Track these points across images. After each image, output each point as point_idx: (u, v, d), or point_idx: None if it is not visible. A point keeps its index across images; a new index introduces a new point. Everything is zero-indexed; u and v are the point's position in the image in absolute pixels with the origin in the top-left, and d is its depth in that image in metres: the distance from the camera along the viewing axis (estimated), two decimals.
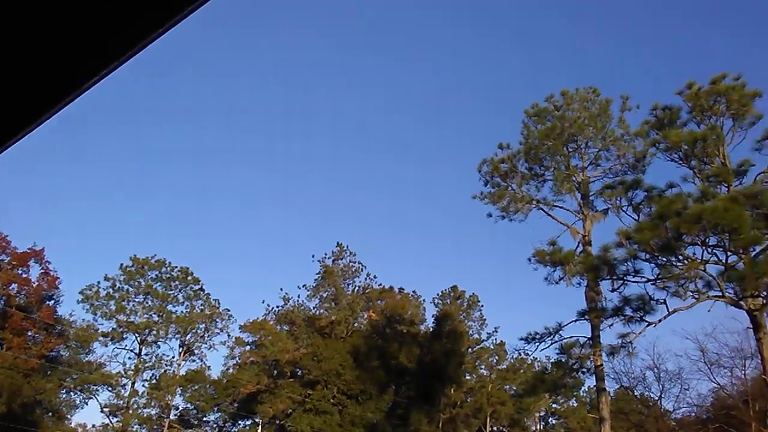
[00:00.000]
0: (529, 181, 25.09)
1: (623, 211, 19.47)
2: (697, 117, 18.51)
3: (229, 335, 42.15)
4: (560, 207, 24.21)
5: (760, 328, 14.80)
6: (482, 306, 41.15)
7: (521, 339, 20.96)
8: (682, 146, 17.70)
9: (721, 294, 15.05)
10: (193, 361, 41.94)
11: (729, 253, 15.31)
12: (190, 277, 41.75)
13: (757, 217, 15.20)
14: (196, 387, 41.02)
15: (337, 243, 40.99)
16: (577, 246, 23.03)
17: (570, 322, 20.15)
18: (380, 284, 40.39)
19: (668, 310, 16.01)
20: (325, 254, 40.56)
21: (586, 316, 19.26)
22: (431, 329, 38.85)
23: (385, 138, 72.77)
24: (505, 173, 25.31)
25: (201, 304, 42.16)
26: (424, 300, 41.20)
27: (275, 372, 39.24)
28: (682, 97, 18.55)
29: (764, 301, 14.61)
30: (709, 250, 15.37)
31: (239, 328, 41.18)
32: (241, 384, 38.40)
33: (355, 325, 39.76)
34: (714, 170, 16.84)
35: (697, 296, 15.39)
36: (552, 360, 24.16)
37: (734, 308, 15.13)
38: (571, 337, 20.19)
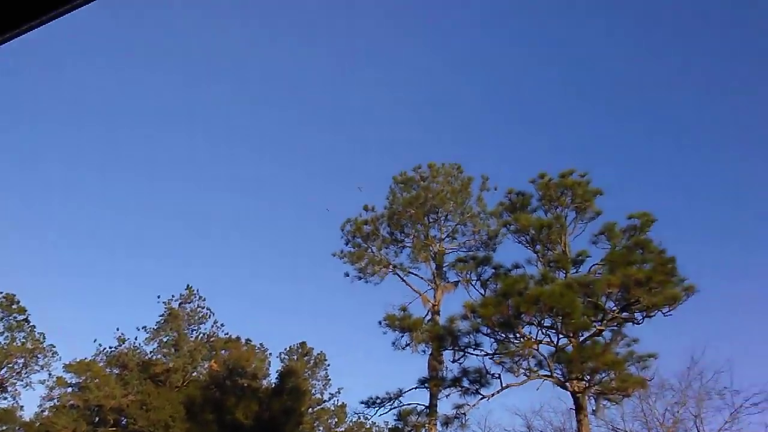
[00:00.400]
0: (389, 246, 25.58)
1: (472, 285, 20.18)
2: (546, 205, 19.83)
3: (50, 374, 38.28)
4: (415, 274, 24.84)
5: (582, 409, 15.73)
6: (329, 365, 40.63)
7: (362, 402, 20.86)
8: (530, 230, 18.82)
9: (549, 374, 15.86)
10: (5, 398, 37.52)
11: (561, 336, 16.26)
12: (15, 306, 37.82)
13: (588, 304, 16.34)
14: (4, 428, 36.54)
15: (187, 285, 39.10)
16: (427, 314, 23.60)
17: (411, 389, 20.37)
18: (227, 333, 38.74)
19: (501, 385, 16.62)
20: (173, 296, 38.47)
21: (426, 384, 19.55)
22: (273, 385, 37.63)
23: (251, 178, 71.40)
24: (366, 235, 25.64)
25: (23, 337, 38.18)
26: (270, 354, 40.01)
27: (97, 419, 35.91)
28: (534, 185, 19.82)
29: (587, 384, 15.57)
30: (544, 331, 16.25)
31: (63, 367, 37.53)
32: (56, 429, 34.65)
33: (194, 374, 37.61)
34: (555, 257, 18.02)
35: (528, 374, 16.11)
36: (390, 426, 24.11)
37: (560, 389, 15.97)
38: (410, 404, 20.38)
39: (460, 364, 17.48)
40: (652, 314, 16.32)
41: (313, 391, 39.95)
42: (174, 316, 37.84)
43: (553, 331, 16.24)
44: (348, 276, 25.24)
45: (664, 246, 16.83)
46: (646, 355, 16.99)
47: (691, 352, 23.71)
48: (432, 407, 20.13)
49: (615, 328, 16.96)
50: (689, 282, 16.21)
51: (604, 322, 16.48)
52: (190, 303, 38.82)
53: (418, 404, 20.29)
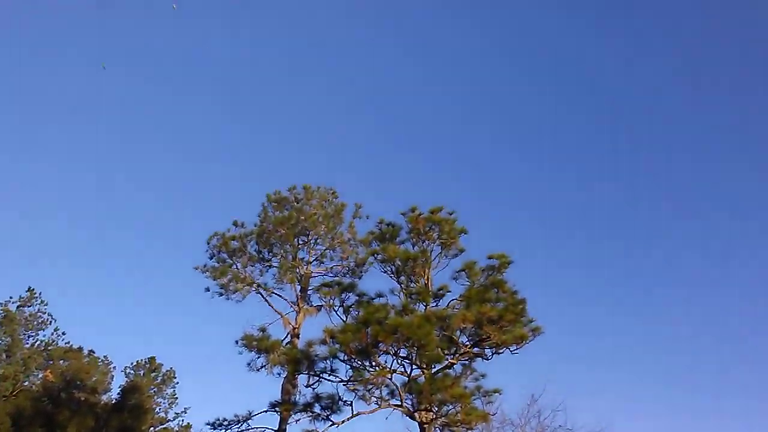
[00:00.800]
0: (255, 264, 25.08)
1: (335, 310, 20.07)
2: (414, 239, 20.32)
3: None
4: (279, 295, 24.48)
5: None
6: (177, 383, 38.73)
7: (208, 424, 20.04)
8: (396, 261, 19.20)
9: (400, 404, 16.12)
10: None
11: (414, 367, 16.61)
12: None
13: (443, 337, 16.86)
14: None
15: (29, 288, 35.96)
16: (286, 336, 23.26)
17: (261, 412, 19.85)
18: (68, 342, 35.93)
19: (353, 412, 16.62)
20: (11, 298, 35.20)
21: (277, 408, 19.17)
22: (114, 401, 35.25)
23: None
24: (233, 251, 25.00)
25: None
26: (114, 367, 37.53)
27: None
28: (405, 217, 20.28)
29: (434, 416, 15.97)
30: (399, 360, 16.53)
31: None
32: None
33: (26, 383, 34.42)
34: (417, 289, 18.47)
35: (379, 402, 16.27)
36: None
37: (409, 419, 16.25)
38: (259, 427, 19.89)
39: (314, 389, 17.35)
40: (501, 351, 17.12)
41: (157, 410, 37.85)
42: (9, 319, 34.55)
43: (408, 361, 16.56)
44: (209, 291, 24.41)
45: (517, 287, 17.78)
46: (491, 391, 17.76)
47: (532, 390, 25.02)
48: (280, 431, 19.79)
49: (466, 362, 17.60)
50: (536, 323, 17.21)
51: (457, 355, 17.05)
52: (29, 306, 35.70)
53: (267, 428, 19.86)
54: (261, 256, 24.94)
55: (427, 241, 19.85)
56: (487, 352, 17.21)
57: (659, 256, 58.68)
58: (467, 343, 17.07)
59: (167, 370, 38.92)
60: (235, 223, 25.18)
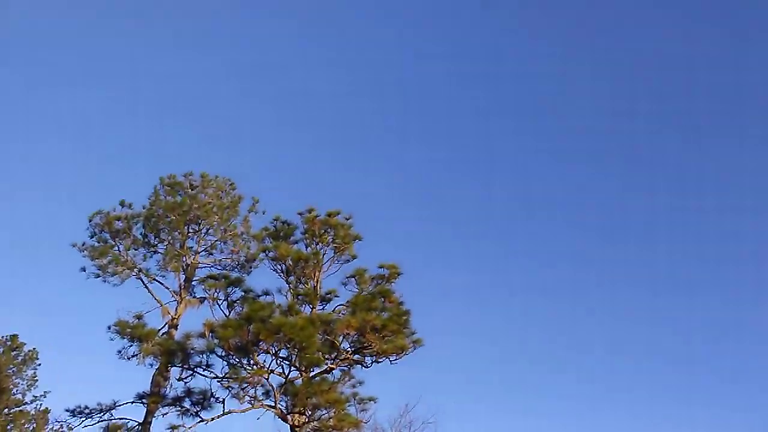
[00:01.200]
0: (139, 248, 24.01)
1: (218, 304, 19.55)
2: (308, 240, 20.16)
3: None
4: (160, 283, 23.54)
5: None
6: (39, 364, 36.30)
7: (68, 411, 18.94)
8: (288, 261, 18.97)
9: (274, 405, 15.90)
10: None
11: (293, 369, 16.46)
12: None
13: (325, 342, 16.82)
14: None
15: None
16: (163, 326, 22.42)
17: (126, 403, 18.99)
18: None
19: (224, 410, 16.24)
20: None
21: (144, 400, 18.39)
22: None
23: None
24: (116, 231, 23.83)
25: None
26: None
27: None
28: (301, 218, 20.10)
29: (307, 420, 15.88)
30: (278, 361, 16.32)
31: None
32: None
33: None
34: (305, 291, 18.34)
35: (253, 402, 15.97)
36: None
37: (281, 421, 16.04)
38: (122, 419, 19.00)
39: (186, 383, 16.82)
40: (381, 360, 17.30)
41: (14, 391, 35.30)
42: None
43: (287, 362, 16.39)
44: (84, 271, 23.10)
45: (403, 299, 18.04)
46: (367, 398, 17.93)
47: (407, 400, 25.42)
48: (145, 425, 18.98)
49: (345, 368, 17.65)
50: (418, 336, 17.53)
51: (337, 361, 17.06)
52: None
53: (130, 420, 18.99)
54: (146, 240, 23.91)
55: (320, 244, 19.75)
56: (368, 359, 17.34)
57: (565, 266, 60.63)
58: (349, 349, 17.12)
59: (30, 350, 36.38)
60: (122, 203, 24.05)
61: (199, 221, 24.15)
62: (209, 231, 24.48)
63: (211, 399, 16.47)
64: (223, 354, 16.26)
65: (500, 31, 71.75)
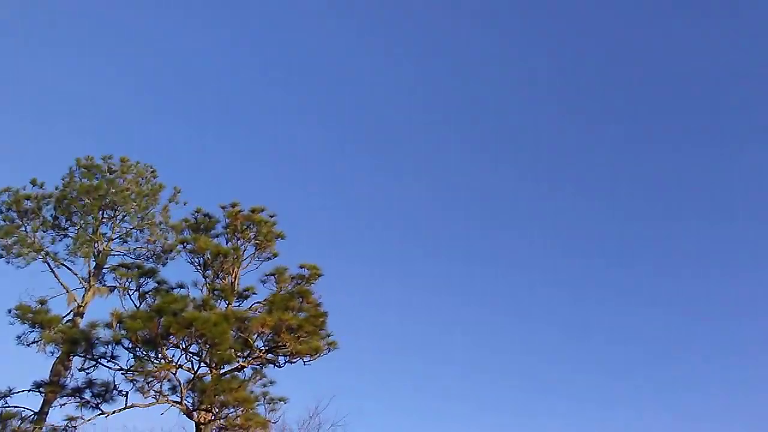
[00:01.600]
0: (48, 230, 22.89)
1: (129, 294, 18.92)
2: (229, 234, 19.79)
3: None
4: (69, 268, 22.49)
5: None
6: None
7: None
8: (206, 254, 18.54)
9: (180, 401, 15.48)
10: None
11: (203, 365, 16.09)
12: None
13: (239, 339, 16.54)
14: None
15: None
16: (69, 314, 21.44)
17: (23, 391, 17.98)
18: None
19: (126, 404, 15.68)
20: None
21: (41, 389, 17.50)
22: None
23: None
24: (25, 211, 22.65)
25: None
26: None
27: None
28: (224, 211, 19.71)
29: (213, 417, 15.54)
30: (188, 356, 15.91)
31: None
32: None
33: None
34: (222, 286, 17.97)
35: (158, 397, 15.50)
36: None
37: (186, 417, 15.64)
38: (17, 407, 17.99)
39: (88, 374, 16.13)
40: (294, 360, 17.18)
41: None
42: None
43: (197, 358, 16.01)
44: None
45: (322, 300, 17.97)
46: (277, 398, 17.74)
47: (317, 402, 25.32)
48: (42, 414, 18.03)
49: (258, 366, 17.42)
50: (333, 338, 17.52)
51: (249, 359, 16.80)
52: None
53: (25, 408, 17.99)
54: (57, 222, 22.80)
55: (242, 240, 19.43)
56: (281, 359, 17.17)
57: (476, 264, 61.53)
58: (262, 348, 16.90)
59: None
60: (33, 182, 22.86)
61: (115, 207, 23.27)
62: (125, 218, 23.61)
63: (114, 392, 15.89)
64: (130, 346, 15.70)
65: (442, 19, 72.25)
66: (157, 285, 18.01)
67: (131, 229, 23.77)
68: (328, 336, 17.52)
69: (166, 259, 23.23)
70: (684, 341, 56.43)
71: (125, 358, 15.88)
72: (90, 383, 16.08)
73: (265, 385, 17.60)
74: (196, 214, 19.69)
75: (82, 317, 21.47)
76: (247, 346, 16.63)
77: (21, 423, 17.46)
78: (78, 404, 15.90)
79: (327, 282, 19.28)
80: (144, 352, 15.70)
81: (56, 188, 23.05)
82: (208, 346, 15.61)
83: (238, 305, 18.39)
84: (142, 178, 24.17)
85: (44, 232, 22.70)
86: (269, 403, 17.32)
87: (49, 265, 22.21)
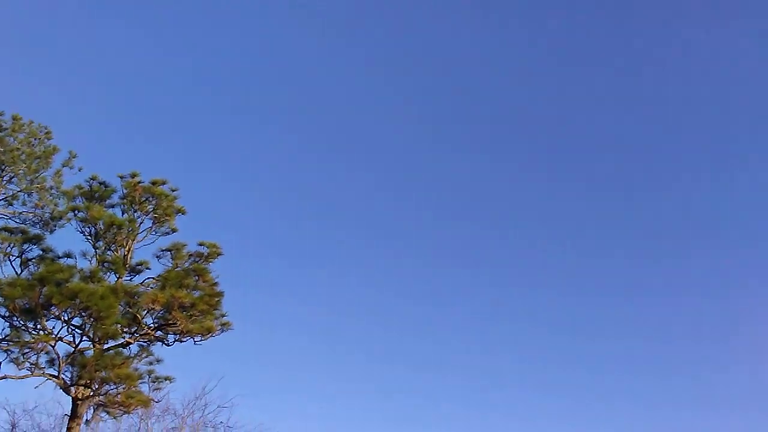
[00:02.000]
0: None
1: (10, 260, 17.78)
2: (126, 206, 18.98)
3: None
4: None
5: (77, 417, 14.92)
6: None
7: None
8: (99, 224, 17.71)
9: (57, 374, 14.76)
10: None
11: (86, 338, 15.40)
12: None
13: (127, 314, 15.95)
14: None
15: None
16: None
17: None
18: None
19: None
20: None
21: None
22: None
23: None
24: None
25: None
26: None
27: None
28: (122, 181, 18.87)
29: (92, 393, 14.91)
30: (69, 329, 15.19)
31: None
32: None
33: None
34: (113, 258, 17.22)
35: (33, 370, 14.71)
36: None
37: (63, 392, 14.93)
38: None
39: None
40: (185, 340, 16.75)
41: None
42: None
43: (80, 331, 15.30)
44: None
45: (219, 280, 17.59)
46: (163, 377, 17.22)
47: (205, 383, 24.87)
48: None
49: (145, 344, 16.85)
50: (227, 319, 17.22)
51: (136, 335, 16.24)
52: None
53: None
54: None
55: (139, 212, 18.68)
56: (170, 337, 16.70)
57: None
58: (151, 325, 16.37)
59: None
60: None
61: (3, 167, 21.81)
62: (12, 179, 22.19)
63: None
64: (6, 314, 14.83)
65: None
66: (42, 253, 17.02)
67: (18, 191, 22.38)
68: (223, 316, 17.20)
69: (55, 226, 22.01)
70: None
71: (0, 327, 14.99)
72: None
73: (151, 363, 17.04)
74: (91, 181, 18.71)
75: None
76: (135, 322, 16.05)
77: None
78: None
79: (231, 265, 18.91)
80: (22, 322, 14.85)
81: None
82: (92, 319, 14.95)
83: (130, 279, 17.73)
84: (35, 139, 22.77)
85: None
86: (154, 382, 16.80)
87: None
